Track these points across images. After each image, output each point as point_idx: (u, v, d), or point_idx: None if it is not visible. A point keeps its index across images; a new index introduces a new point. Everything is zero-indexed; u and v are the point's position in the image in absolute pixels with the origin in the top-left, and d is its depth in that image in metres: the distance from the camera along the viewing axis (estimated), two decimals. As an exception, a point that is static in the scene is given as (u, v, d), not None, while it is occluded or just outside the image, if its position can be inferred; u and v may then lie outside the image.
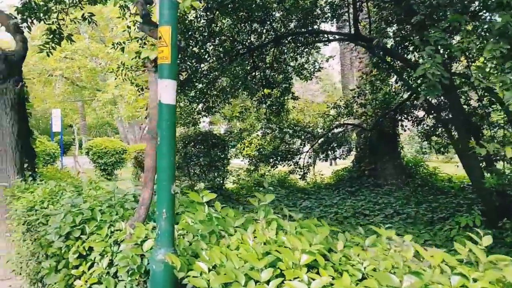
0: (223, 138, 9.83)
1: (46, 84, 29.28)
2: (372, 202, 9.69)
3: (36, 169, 6.36)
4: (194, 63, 8.09)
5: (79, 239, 3.32)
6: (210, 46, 7.96)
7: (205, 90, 9.20)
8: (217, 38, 8.16)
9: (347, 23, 10.97)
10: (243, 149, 10.81)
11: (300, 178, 12.15)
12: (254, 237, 2.35)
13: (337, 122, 11.71)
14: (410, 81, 9.00)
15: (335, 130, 11.82)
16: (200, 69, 8.62)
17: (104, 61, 28.30)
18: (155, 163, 3.24)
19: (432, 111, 9.35)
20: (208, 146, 9.41)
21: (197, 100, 9.87)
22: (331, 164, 17.59)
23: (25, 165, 6.10)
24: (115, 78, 8.93)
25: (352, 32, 8.73)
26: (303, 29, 9.28)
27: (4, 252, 5.98)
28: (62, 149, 18.60)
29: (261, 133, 11.36)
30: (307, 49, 10.83)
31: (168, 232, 2.23)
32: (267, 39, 9.48)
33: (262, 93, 10.70)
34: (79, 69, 27.88)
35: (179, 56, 8.32)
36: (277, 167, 12.04)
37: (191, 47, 8.29)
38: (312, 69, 10.92)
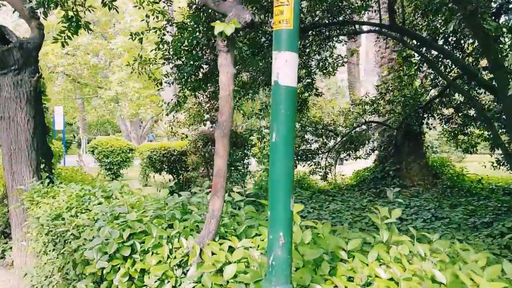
0: (243, 137, 9.21)
1: (47, 81, 28.56)
2: (403, 205, 9.11)
3: (53, 170, 5.74)
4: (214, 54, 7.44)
5: (128, 258, 2.70)
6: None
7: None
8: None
9: (374, 15, 10.37)
10: (264, 148, 10.19)
11: (321, 179, 11.56)
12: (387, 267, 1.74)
13: (362, 120, 11.12)
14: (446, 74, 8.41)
15: (358, 129, 11.23)
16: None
17: (106, 58, 27.60)
18: (225, 167, 2.65)
19: (470, 109, 8.78)
20: (231, 145, 8.79)
21: (216, 96, 9.25)
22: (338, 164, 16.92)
23: (42, 166, 5.47)
24: (132, 72, 8.29)
25: (387, 22, 8.13)
26: (331, 20, 8.67)
27: (19, 261, 5.37)
28: (65, 147, 17.86)
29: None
30: (330, 43, 10.24)
31: (286, 263, 1.63)
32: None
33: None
34: (80, 65, 27.17)
35: (200, 47, 7.70)
36: (296, 167, 11.45)
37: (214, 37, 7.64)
38: (334, 64, 10.32)
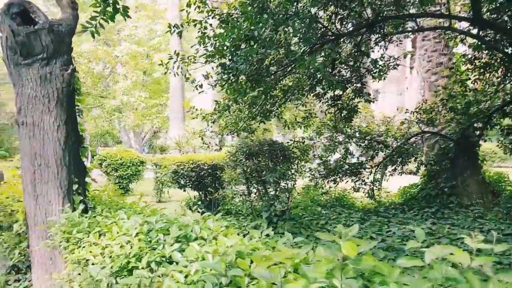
0: (289, 150, 7.93)
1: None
2: (475, 229, 7.81)
3: (87, 192, 4.40)
4: (264, 51, 6.17)
5: None
6: (286, 29, 6.04)
7: (270, 86, 7.31)
8: (297, 21, 6.25)
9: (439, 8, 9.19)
10: (305, 161, 8.91)
11: (367, 197, 10.26)
12: None
13: (413, 130, 9.88)
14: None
15: (409, 140, 9.98)
16: (269, 60, 6.73)
17: (110, 65, 26.36)
18: None
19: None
20: (277, 159, 7.50)
21: (258, 101, 7.96)
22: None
23: (74, 187, 4.14)
24: (165, 73, 7.00)
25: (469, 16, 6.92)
26: (395, 14, 7.45)
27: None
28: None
29: (325, 143, 9.47)
30: (382, 42, 9.04)
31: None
32: (351, 26, 7.66)
33: (332, 94, 8.85)
34: (84, 74, 25.87)
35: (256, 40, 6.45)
36: (338, 183, 10.15)
37: (263, 29, 6.40)
38: (385, 67, 9.10)
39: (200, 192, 10.11)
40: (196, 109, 8.57)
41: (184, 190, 10.28)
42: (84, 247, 3.14)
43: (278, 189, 7.76)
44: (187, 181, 9.78)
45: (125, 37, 26.53)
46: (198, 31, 6.87)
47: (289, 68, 7.25)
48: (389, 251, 6.75)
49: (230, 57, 6.58)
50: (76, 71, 4.14)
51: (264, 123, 8.84)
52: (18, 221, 4.30)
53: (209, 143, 8.48)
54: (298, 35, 6.51)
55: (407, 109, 9.65)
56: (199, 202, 10.08)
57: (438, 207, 9.81)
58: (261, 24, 6.01)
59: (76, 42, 25.81)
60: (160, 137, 44.82)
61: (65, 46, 4.04)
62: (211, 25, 6.87)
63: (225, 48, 6.52)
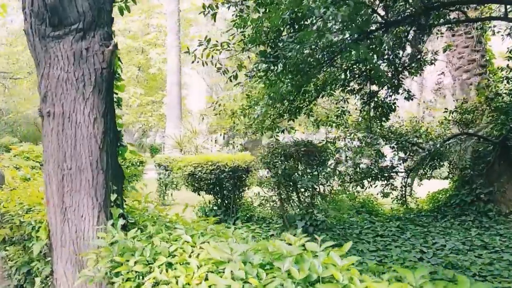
0: (327, 152, 7.08)
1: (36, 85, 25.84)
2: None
3: (125, 202, 3.48)
4: (322, 35, 5.28)
5: None
6: (332, 14, 5.18)
7: (311, 78, 6.45)
8: (343, 5, 5.39)
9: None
10: (338, 164, 8.08)
11: (399, 203, 9.47)
12: None
13: (450, 131, 9.13)
14: None
15: (442, 142, 9.22)
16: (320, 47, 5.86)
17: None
18: None
19: None
20: (315, 162, 6.64)
21: (288, 96, 7.07)
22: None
23: (113, 197, 3.21)
24: (193, 61, 6.08)
25: None
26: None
27: None
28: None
29: (357, 143, 8.65)
30: (422, 35, 8.27)
31: None
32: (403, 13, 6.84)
33: (367, 90, 8.04)
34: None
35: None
36: (366, 188, 9.34)
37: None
38: (422, 62, 8.33)
39: (216, 196, 9.19)
40: (219, 105, 7.67)
41: (199, 194, 9.35)
42: (143, 285, 2.23)
43: (314, 195, 6.89)
44: (203, 185, 8.85)
45: (119, 32, 25.35)
46: (233, 14, 5.96)
47: (330, 59, 6.38)
48: (448, 267, 5.95)
49: (271, 44, 5.70)
50: (118, 48, 3.20)
51: (293, 121, 7.97)
52: (38, 239, 3.34)
53: (233, 142, 7.55)
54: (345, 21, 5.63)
55: (446, 109, 8.89)
56: (215, 207, 9.17)
57: (474, 215, 9.07)
58: (317, 3, 5.11)
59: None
60: (149, 136, 43.65)
61: (106, 14, 3.12)
62: (248, 7, 5.97)
63: (266, 33, 5.63)
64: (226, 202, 9.15)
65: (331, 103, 8.53)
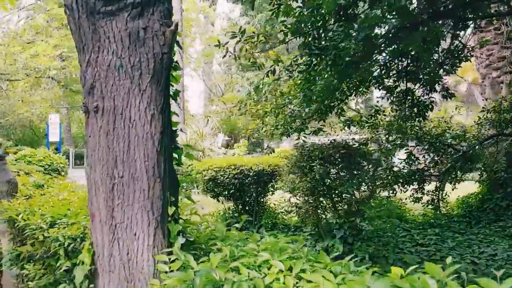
0: (369, 154, 6.54)
1: (34, 87, 25.13)
2: None
3: (180, 214, 2.90)
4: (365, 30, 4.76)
5: None
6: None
7: (355, 76, 5.92)
8: None
9: None
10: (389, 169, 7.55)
11: (433, 208, 8.92)
12: None
13: (485, 132, 8.62)
14: None
15: (475, 143, 8.70)
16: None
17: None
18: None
19: None
20: (355, 165, 6.10)
21: (325, 95, 6.48)
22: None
23: (171, 211, 2.64)
24: (224, 56, 5.51)
25: None
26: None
27: None
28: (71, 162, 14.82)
29: (389, 145, 8.09)
30: (460, 30, 7.73)
31: None
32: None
33: (403, 88, 7.50)
34: (75, 69, 23.92)
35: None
36: (396, 193, 8.78)
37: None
38: (459, 58, 7.77)
39: (237, 202, 8.61)
40: (245, 104, 7.10)
41: (218, 200, 8.77)
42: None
43: (353, 201, 6.34)
44: (224, 190, 8.26)
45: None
46: (270, 3, 5.40)
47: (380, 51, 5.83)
48: None
49: (316, 35, 5.14)
50: (178, 30, 2.63)
51: (324, 121, 7.42)
52: (81, 262, 2.75)
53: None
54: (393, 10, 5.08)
55: (483, 107, 8.38)
56: (236, 214, 8.58)
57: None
58: None
59: (69, 35, 23.90)
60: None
61: (165, -12, 2.53)
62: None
63: (310, 23, 5.07)
64: (248, 208, 8.58)
65: (357, 103, 7.98)
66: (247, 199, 8.44)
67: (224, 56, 5.68)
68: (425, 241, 7.20)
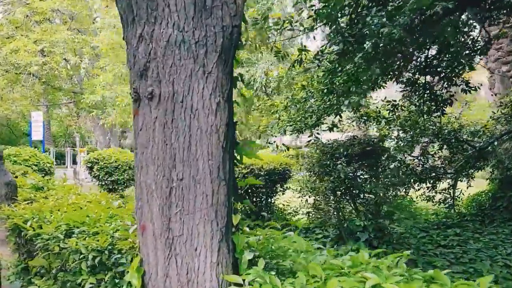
0: (391, 152, 6.17)
1: (14, 83, 24.05)
2: None
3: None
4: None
5: None
6: None
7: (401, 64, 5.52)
8: None
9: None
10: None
11: (446, 207, 8.65)
12: None
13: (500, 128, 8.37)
14: None
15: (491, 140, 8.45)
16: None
17: (90, 57, 23.58)
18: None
19: None
20: (379, 163, 5.73)
21: (337, 88, 6.08)
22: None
23: (235, 221, 2.16)
24: (244, 44, 5.02)
25: None
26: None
27: None
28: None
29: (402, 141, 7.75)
30: (480, 21, 7.48)
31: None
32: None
33: (422, 81, 7.20)
34: (57, 65, 22.94)
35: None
36: (408, 192, 8.47)
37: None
38: (476, 51, 7.50)
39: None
40: (259, 99, 6.64)
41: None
42: None
43: (378, 202, 5.96)
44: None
45: (104, 26, 23.82)
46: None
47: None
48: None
49: (349, 21, 4.72)
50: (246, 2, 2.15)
51: (341, 117, 7.02)
52: (127, 283, 2.25)
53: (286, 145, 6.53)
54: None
55: (501, 102, 8.12)
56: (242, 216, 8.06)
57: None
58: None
59: (50, 30, 22.95)
60: (126, 136, 41.92)
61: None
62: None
63: (342, 8, 4.65)
64: (257, 209, 8.11)
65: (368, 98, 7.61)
66: (257, 199, 7.98)
67: (244, 45, 5.19)
68: (447, 242, 6.88)
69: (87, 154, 20.68)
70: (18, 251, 3.96)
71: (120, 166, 13.87)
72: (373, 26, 4.29)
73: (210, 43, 1.98)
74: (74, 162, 26.62)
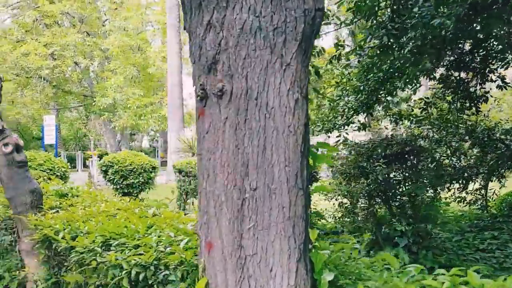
0: (431, 151, 5.86)
1: (25, 87, 23.99)
2: None
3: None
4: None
5: None
6: None
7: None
8: None
9: None
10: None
11: (479, 208, 8.30)
12: None
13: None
14: None
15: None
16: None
17: (100, 59, 23.46)
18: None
19: None
20: (421, 164, 5.42)
21: (367, 87, 5.77)
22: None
23: (307, 234, 1.86)
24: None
25: None
26: None
27: None
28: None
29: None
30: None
31: None
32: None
33: (456, 77, 6.87)
34: (68, 68, 22.84)
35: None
36: (439, 194, 8.10)
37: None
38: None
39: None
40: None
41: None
42: None
43: (418, 205, 5.64)
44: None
45: (114, 28, 23.70)
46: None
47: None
48: None
49: (392, 13, 4.41)
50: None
51: (372, 115, 6.70)
52: None
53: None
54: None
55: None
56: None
57: None
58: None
59: (60, 33, 22.84)
60: (135, 139, 41.84)
61: None
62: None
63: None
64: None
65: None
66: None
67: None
68: (485, 246, 6.53)
69: (98, 157, 20.54)
70: (48, 264, 3.70)
71: (135, 169, 13.68)
72: (420, 18, 3.98)
73: (290, 30, 1.70)
74: (85, 165, 26.52)
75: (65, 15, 24.45)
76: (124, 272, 2.68)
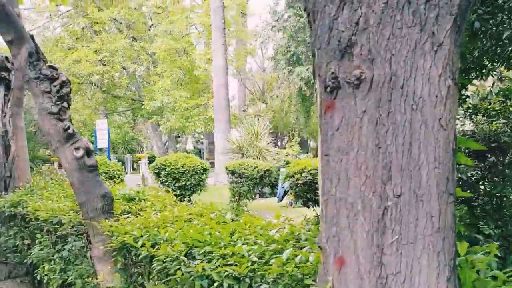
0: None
1: (76, 93, 24.81)
2: None
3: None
4: None
5: None
6: None
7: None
8: None
9: None
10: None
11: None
12: None
13: None
14: None
15: None
16: None
17: (147, 64, 23.90)
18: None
19: None
20: (498, 163, 4.89)
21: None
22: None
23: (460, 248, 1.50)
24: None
25: None
26: None
27: None
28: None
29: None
30: None
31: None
32: None
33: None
34: (117, 73, 23.42)
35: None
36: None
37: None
38: None
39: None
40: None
41: (308, 207, 7.71)
42: None
43: (504, 206, 5.11)
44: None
45: (160, 33, 24.04)
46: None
47: None
48: None
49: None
50: None
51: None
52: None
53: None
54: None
55: None
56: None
57: None
58: None
59: (109, 39, 23.45)
60: (179, 141, 42.41)
61: None
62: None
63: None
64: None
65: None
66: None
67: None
68: None
69: (147, 159, 20.87)
70: (125, 272, 3.56)
71: (186, 171, 13.71)
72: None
73: (444, 3, 1.39)
74: (133, 168, 27.13)
75: (113, 21, 25.11)
76: (216, 284, 2.47)
